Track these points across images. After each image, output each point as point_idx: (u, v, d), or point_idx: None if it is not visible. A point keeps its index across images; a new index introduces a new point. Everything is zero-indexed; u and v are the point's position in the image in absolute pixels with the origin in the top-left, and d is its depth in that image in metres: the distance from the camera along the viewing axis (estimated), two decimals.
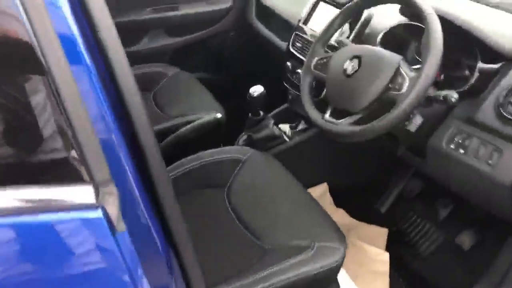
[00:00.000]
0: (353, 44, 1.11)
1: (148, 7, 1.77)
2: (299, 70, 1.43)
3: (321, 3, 1.43)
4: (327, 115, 1.07)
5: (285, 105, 1.63)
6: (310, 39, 1.40)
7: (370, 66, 0.99)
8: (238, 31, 1.97)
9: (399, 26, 1.20)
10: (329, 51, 1.22)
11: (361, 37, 1.28)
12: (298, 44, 1.46)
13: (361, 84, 0.99)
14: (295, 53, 1.46)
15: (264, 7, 1.78)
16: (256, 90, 1.34)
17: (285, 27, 1.63)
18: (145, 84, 1.66)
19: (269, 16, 1.80)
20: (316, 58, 1.15)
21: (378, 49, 1.02)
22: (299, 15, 1.50)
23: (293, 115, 1.61)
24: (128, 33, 1.77)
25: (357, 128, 0.98)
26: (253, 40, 1.86)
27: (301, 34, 1.45)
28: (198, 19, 1.86)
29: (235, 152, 1.25)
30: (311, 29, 1.43)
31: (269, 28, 1.76)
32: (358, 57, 1.02)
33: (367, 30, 1.28)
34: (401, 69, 0.95)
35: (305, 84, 1.15)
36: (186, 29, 1.87)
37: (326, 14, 1.40)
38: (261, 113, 1.41)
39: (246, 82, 2.12)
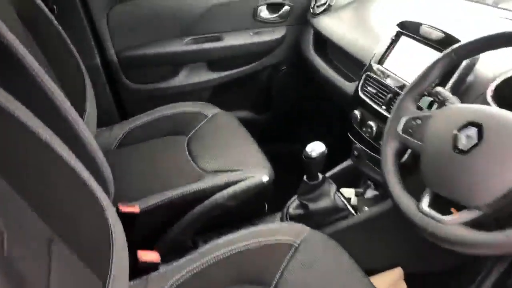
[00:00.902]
0: (462, 104, 0.78)
1: (187, 37, 1.52)
2: (371, 123, 1.11)
3: (403, 38, 1.12)
4: (424, 204, 0.74)
5: (348, 162, 1.31)
6: (388, 84, 1.08)
7: (498, 141, 0.66)
8: (291, 65, 1.68)
9: None
10: (421, 106, 0.90)
11: (460, 87, 0.94)
12: (370, 89, 1.14)
13: (483, 167, 0.66)
14: (366, 99, 1.15)
15: (324, 39, 1.49)
16: (315, 148, 1.03)
17: (351, 64, 1.32)
18: (179, 126, 1.40)
19: (330, 49, 1.50)
20: (405, 118, 0.83)
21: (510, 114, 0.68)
22: (371, 51, 1.18)
23: (358, 175, 1.28)
24: (163, 67, 1.53)
25: (479, 235, 0.65)
26: (310, 77, 1.57)
27: (374, 76, 1.14)
28: (245, 51, 1.59)
29: (286, 233, 0.94)
30: (388, 71, 1.11)
31: (330, 65, 1.46)
32: (476, 125, 0.69)
33: (470, 78, 0.94)
34: None
35: (389, 154, 0.83)
36: (230, 63, 1.60)
37: (409, 52, 1.08)
38: (320, 176, 1.10)
39: (299, 127, 1.85)
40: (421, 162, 0.78)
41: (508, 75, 0.86)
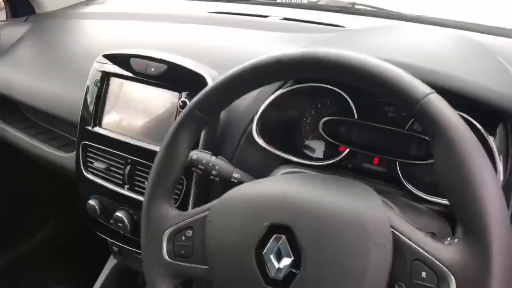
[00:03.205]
0: (246, 185, 0.48)
1: None
2: (119, 214, 0.73)
3: (114, 80, 0.76)
4: None
5: (112, 261, 0.91)
6: (119, 153, 0.72)
7: (325, 254, 0.39)
8: None
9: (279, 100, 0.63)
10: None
11: (214, 134, 0.66)
12: (97, 165, 0.76)
13: None
14: (98, 180, 0.76)
15: (4, 98, 0.99)
16: None
17: (63, 126, 0.90)
18: None
19: (24, 108, 1.02)
20: (168, 232, 0.49)
21: (326, 195, 0.42)
22: (74, 106, 0.79)
23: (130, 276, 0.90)
24: None
25: None
26: (4, 156, 1.05)
27: (96, 145, 0.75)
28: None
29: None
30: (113, 132, 0.74)
31: (29, 131, 0.98)
32: (283, 229, 0.40)
33: (222, 113, 0.67)
34: (405, 239, 0.38)
35: None
36: None
37: (136, 99, 0.74)
38: None
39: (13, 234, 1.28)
40: None
41: (270, 100, 0.62)
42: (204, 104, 0.47)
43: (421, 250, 0.36)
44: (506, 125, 0.53)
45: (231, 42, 0.80)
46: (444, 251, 0.36)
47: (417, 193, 0.55)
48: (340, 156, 0.61)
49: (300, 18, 0.89)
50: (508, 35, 0.72)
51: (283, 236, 0.40)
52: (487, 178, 0.34)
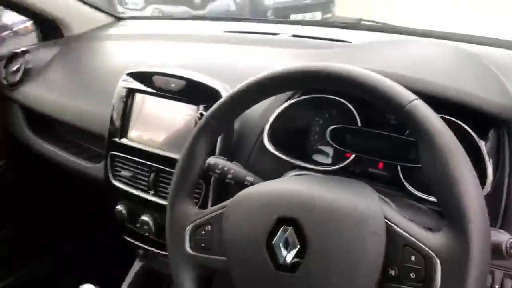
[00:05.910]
0: (256, 187, 0.54)
1: None
2: (145, 218, 0.80)
3: (138, 96, 0.83)
4: None
5: (138, 264, 0.97)
6: (143, 161, 0.79)
7: (327, 243, 0.44)
8: (8, 158, 1.20)
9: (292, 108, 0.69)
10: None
11: (230, 142, 0.72)
12: (124, 173, 0.83)
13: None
14: (125, 187, 0.83)
15: (41, 114, 1.08)
16: None
17: (92, 140, 0.98)
18: None
19: (58, 126, 1.10)
20: (189, 228, 0.55)
21: (328, 192, 0.48)
22: (106, 120, 0.86)
23: (155, 278, 0.96)
24: None
25: None
26: (38, 168, 1.13)
27: (123, 155, 0.83)
28: None
29: None
30: (137, 143, 0.81)
31: (60, 145, 1.06)
32: (290, 221, 0.46)
33: (236, 125, 0.74)
34: (397, 229, 0.43)
35: None
36: None
37: (153, 112, 0.81)
38: None
39: (43, 242, 1.36)
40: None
41: (280, 110, 0.69)
42: (218, 114, 0.54)
43: (411, 237, 0.42)
44: (497, 131, 0.58)
45: (244, 59, 0.87)
46: (431, 238, 0.41)
47: (417, 194, 0.60)
48: (346, 162, 0.66)
49: (309, 35, 0.96)
50: (503, 45, 0.77)
51: (290, 228, 0.46)
52: (467, 176, 0.39)
